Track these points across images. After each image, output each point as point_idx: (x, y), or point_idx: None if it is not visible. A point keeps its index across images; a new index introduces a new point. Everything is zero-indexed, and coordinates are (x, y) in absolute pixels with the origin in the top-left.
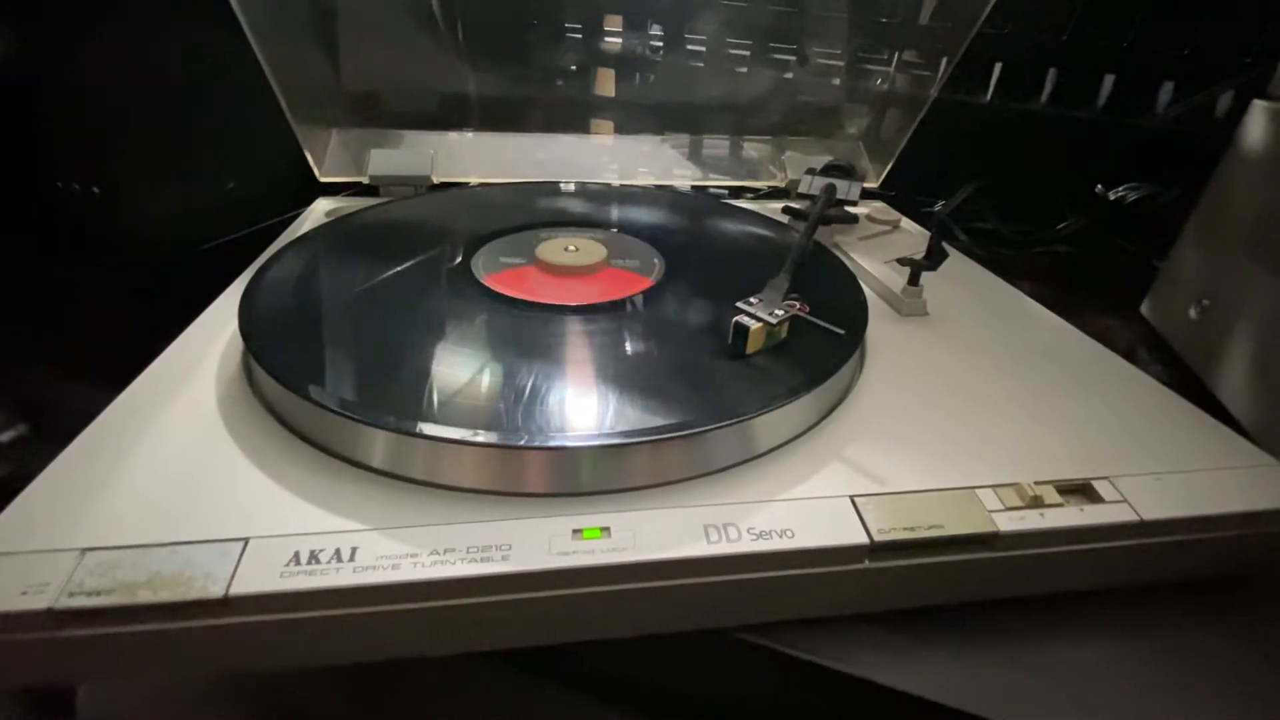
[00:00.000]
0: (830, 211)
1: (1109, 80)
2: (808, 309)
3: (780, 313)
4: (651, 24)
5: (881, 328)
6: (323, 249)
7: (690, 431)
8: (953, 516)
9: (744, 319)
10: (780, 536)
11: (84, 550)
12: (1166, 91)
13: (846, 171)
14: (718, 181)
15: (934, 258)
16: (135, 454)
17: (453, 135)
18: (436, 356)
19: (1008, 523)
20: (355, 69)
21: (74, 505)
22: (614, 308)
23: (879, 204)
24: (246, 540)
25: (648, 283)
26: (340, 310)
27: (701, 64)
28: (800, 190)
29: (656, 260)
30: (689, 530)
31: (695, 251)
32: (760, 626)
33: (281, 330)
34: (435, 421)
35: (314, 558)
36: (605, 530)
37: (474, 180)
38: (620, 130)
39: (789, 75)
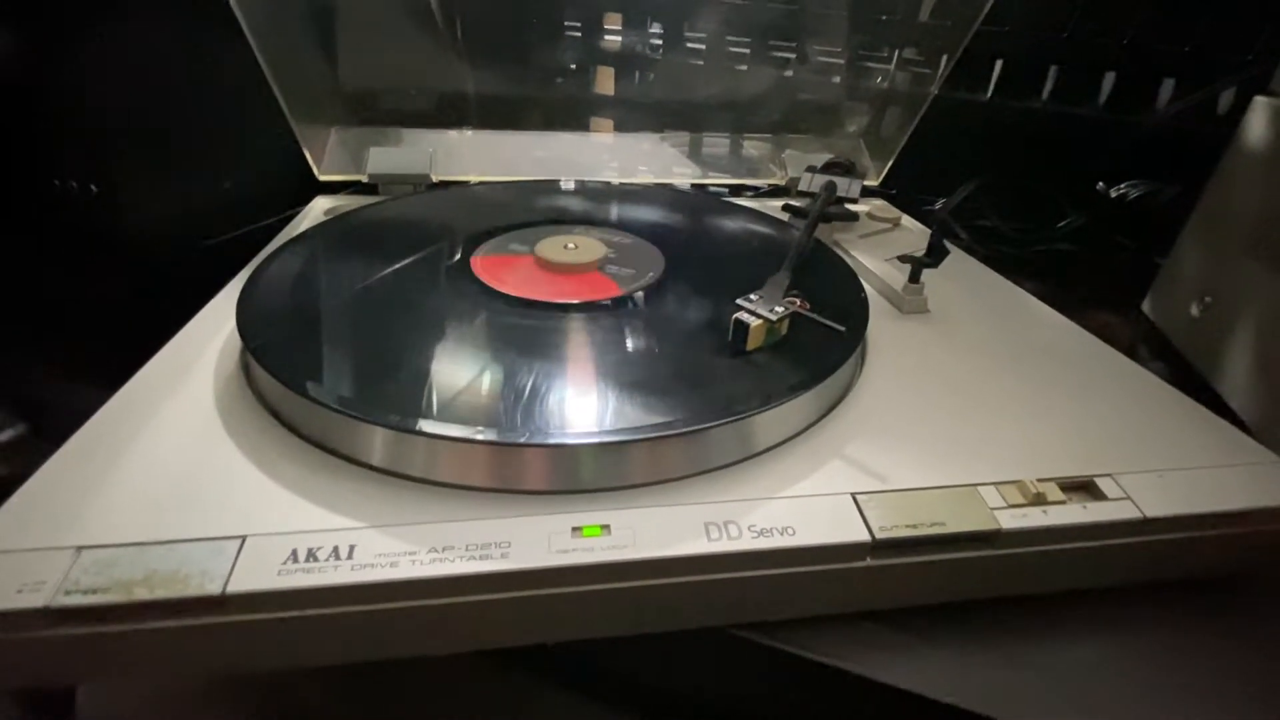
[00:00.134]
0: (831, 209)
1: (1110, 77)
2: (808, 306)
3: (781, 309)
4: (651, 22)
5: (882, 325)
6: (321, 247)
7: (691, 429)
8: (955, 514)
9: (744, 315)
10: (781, 534)
11: (80, 548)
12: (1167, 89)
13: (847, 169)
14: (718, 180)
15: (935, 255)
16: (132, 452)
17: (452, 133)
18: (435, 354)
19: (1010, 520)
20: (354, 67)
21: (70, 503)
22: (615, 305)
23: (879, 202)
24: (244, 538)
25: (645, 281)
26: (338, 308)
27: (701, 62)
28: (800, 188)
29: (657, 258)
30: (689, 528)
31: (695, 249)
32: (761, 625)
33: (279, 327)
34: (434, 419)
35: (312, 555)
36: (605, 528)
37: (473, 179)
38: (620, 128)
39: (789, 73)
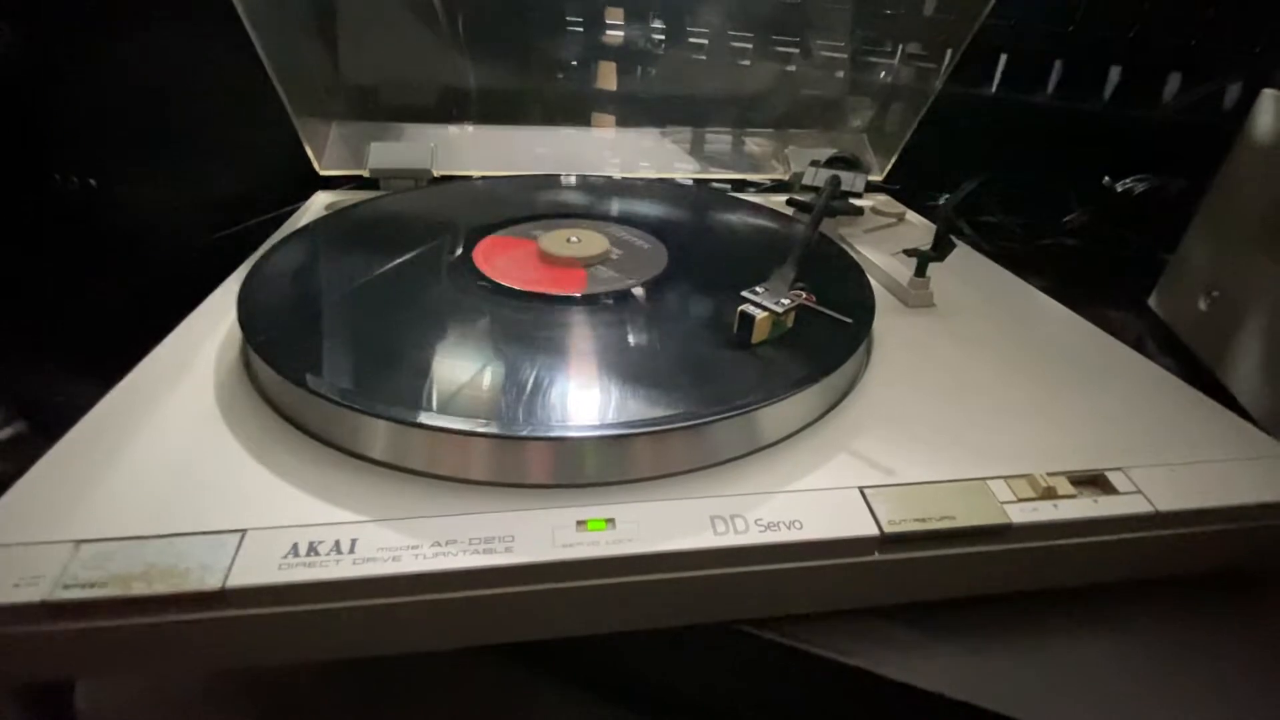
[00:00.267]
0: (835, 203)
1: (1115, 71)
2: (814, 299)
3: (786, 302)
4: (653, 16)
5: (888, 319)
6: (321, 241)
7: (696, 422)
8: (964, 507)
9: (750, 308)
10: (788, 528)
11: (78, 542)
12: (1173, 82)
13: (851, 164)
14: (720, 175)
15: (941, 249)
16: (131, 445)
17: (453, 129)
18: (437, 347)
19: (1020, 514)
20: (355, 62)
21: (69, 496)
22: (620, 298)
23: (883, 197)
24: (244, 532)
25: (650, 274)
26: (339, 301)
27: (704, 56)
28: (805, 182)
29: (661, 252)
30: (695, 521)
31: (700, 243)
32: (767, 620)
33: (280, 321)
34: (437, 411)
35: (313, 549)
36: (610, 522)
37: (474, 174)
38: (622, 123)
39: (792, 68)
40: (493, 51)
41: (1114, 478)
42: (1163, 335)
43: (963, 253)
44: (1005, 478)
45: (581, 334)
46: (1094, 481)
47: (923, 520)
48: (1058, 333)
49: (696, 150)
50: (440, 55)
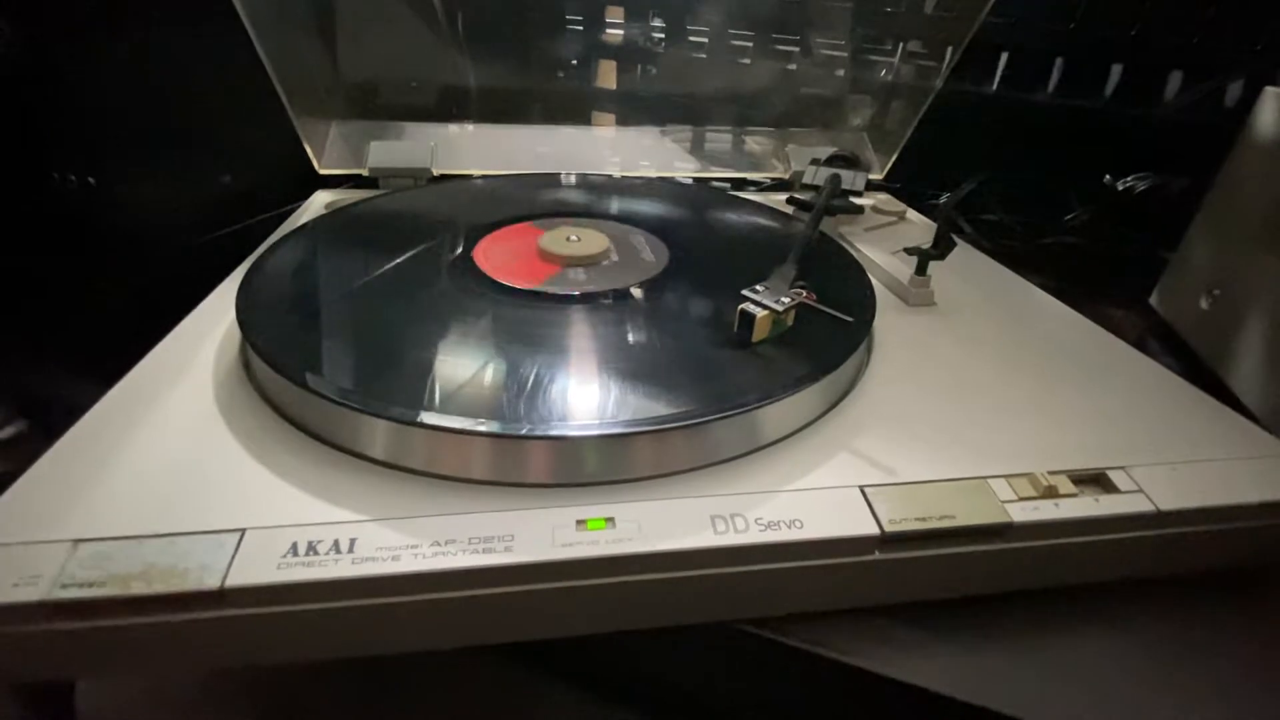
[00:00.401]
0: (835, 202)
1: (1117, 69)
2: (814, 297)
3: (787, 300)
4: (653, 15)
5: (888, 318)
6: (321, 240)
7: (697, 420)
8: (965, 507)
9: (750, 306)
10: (789, 527)
11: (77, 541)
12: (1175, 80)
13: (851, 162)
14: (720, 173)
15: (942, 247)
16: (130, 444)
17: (453, 128)
18: (438, 346)
19: (1021, 513)
20: (355, 61)
21: (67, 496)
22: (620, 297)
23: (884, 195)
24: (243, 531)
25: (650, 273)
26: (338, 300)
27: (704, 55)
28: (805, 181)
29: (661, 250)
30: (696, 521)
31: (700, 242)
32: (768, 619)
33: (279, 320)
34: (436, 410)
35: (312, 549)
36: (610, 521)
37: (474, 173)
38: (622, 122)
39: (792, 66)
40: (493, 50)
41: (1115, 477)
42: (1164, 334)
43: (963, 251)
44: (1006, 477)
45: (581, 333)
46: (1095, 480)
47: (923, 519)
48: (1059, 331)
49: (697, 149)
50: (440, 54)
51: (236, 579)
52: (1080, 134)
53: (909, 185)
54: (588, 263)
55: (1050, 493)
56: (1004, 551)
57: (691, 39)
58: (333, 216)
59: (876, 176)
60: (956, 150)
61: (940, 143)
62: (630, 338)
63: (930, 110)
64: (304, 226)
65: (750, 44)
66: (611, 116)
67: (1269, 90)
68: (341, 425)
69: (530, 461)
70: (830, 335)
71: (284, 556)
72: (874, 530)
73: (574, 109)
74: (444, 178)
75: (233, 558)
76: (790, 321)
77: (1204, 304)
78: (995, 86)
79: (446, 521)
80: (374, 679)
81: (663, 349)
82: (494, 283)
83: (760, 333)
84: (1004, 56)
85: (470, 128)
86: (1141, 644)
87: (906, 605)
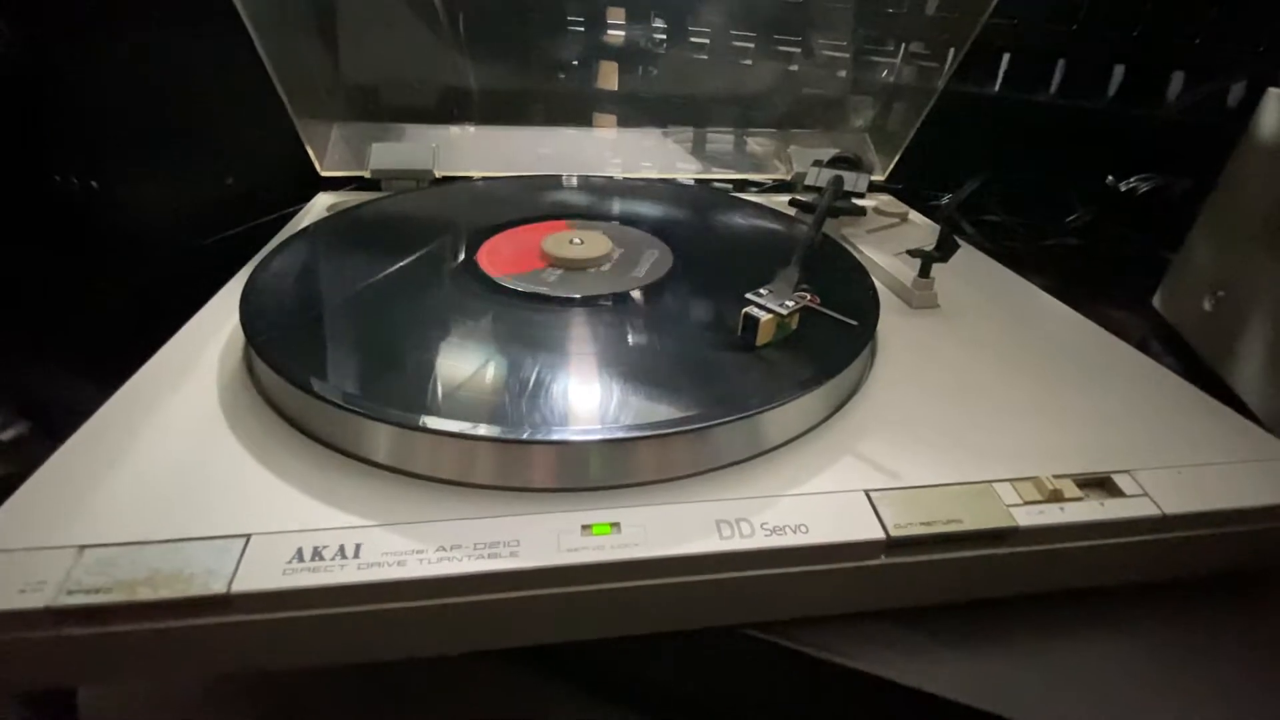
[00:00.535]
0: (838, 204)
1: (1119, 70)
2: (818, 300)
3: (791, 304)
4: (654, 15)
5: (892, 321)
6: (324, 242)
7: (702, 425)
8: (971, 511)
9: (754, 310)
10: (794, 532)
11: (82, 547)
12: (1177, 81)
13: (853, 164)
14: (722, 175)
15: (945, 249)
16: (135, 449)
17: (454, 129)
18: (442, 350)
19: (1026, 517)
20: (356, 62)
21: (72, 501)
22: (623, 300)
23: (886, 197)
24: (248, 536)
25: (654, 275)
26: (342, 303)
27: (705, 56)
28: (807, 182)
29: (665, 253)
30: (701, 526)
31: (703, 244)
32: (773, 624)
33: (283, 323)
34: (441, 415)
35: (318, 554)
36: (615, 526)
37: (476, 174)
38: (623, 124)
39: (794, 67)
40: (494, 51)
41: (1120, 480)
42: (1166, 335)
43: (965, 253)
44: (1011, 480)
45: (585, 336)
46: (1100, 484)
47: (929, 524)
48: (1061, 333)
49: (698, 150)
50: (441, 55)
51: (242, 585)
52: (1082, 135)
53: (911, 186)
54: (591, 265)
55: (1055, 496)
56: (1009, 556)
57: (693, 40)
58: (335, 219)
59: (878, 178)
60: (958, 151)
61: (942, 144)
62: (634, 341)
63: (932, 111)
64: (307, 229)
65: (752, 45)
66: (613, 118)
67: (1272, 91)
68: (346, 430)
69: (535, 466)
70: (834, 338)
71: (289, 562)
72: (880, 535)
73: (575, 110)
74: (446, 179)
75: (238, 563)
76: (794, 325)
77: (1207, 305)
78: (997, 87)
79: (452, 526)
80: (377, 681)
81: (667, 352)
82: (498, 286)
83: (764, 336)
84: (1006, 57)
85: (472, 129)
86: (1143, 647)
87: (912, 609)
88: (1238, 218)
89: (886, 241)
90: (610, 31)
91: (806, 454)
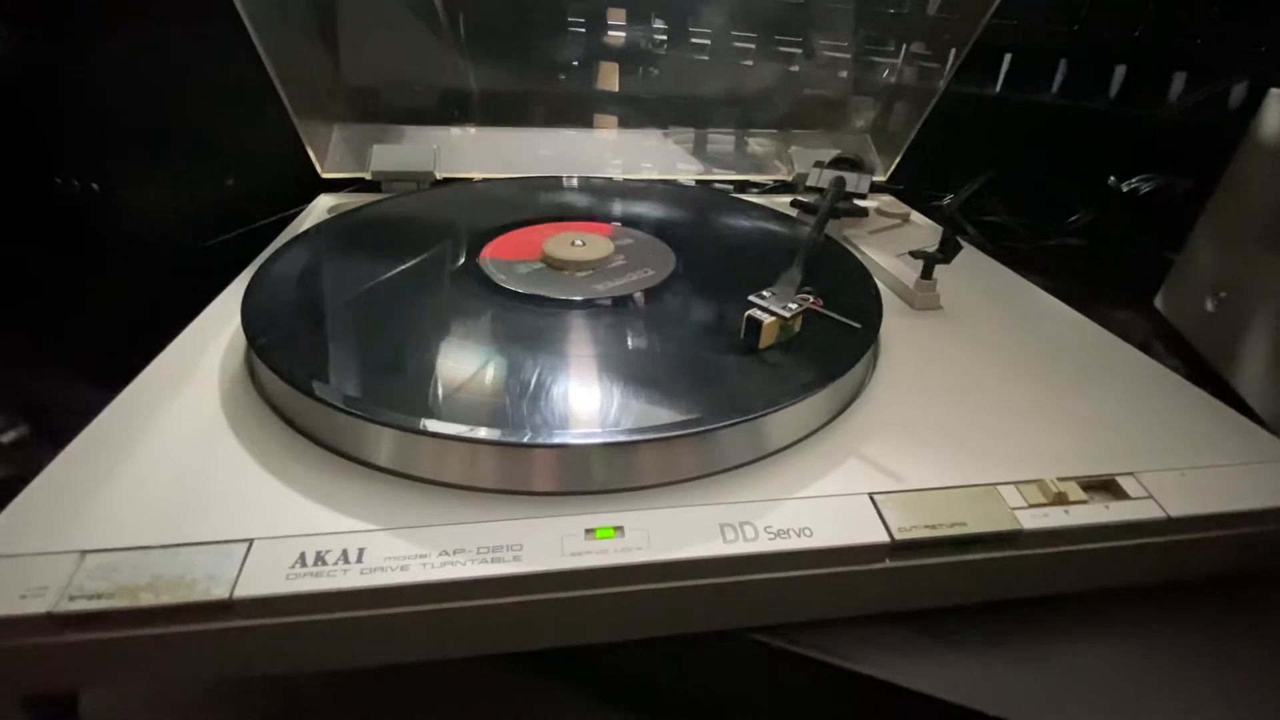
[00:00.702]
0: (839, 205)
1: (1120, 71)
2: (821, 302)
3: (794, 306)
4: (655, 16)
5: (894, 322)
6: (325, 244)
7: (705, 428)
8: (975, 514)
9: (757, 313)
10: (798, 535)
11: (84, 552)
12: (1179, 82)
13: (855, 165)
14: (723, 176)
15: (947, 250)
16: (136, 454)
17: (455, 130)
18: (444, 353)
19: (1031, 520)
20: (357, 64)
21: (73, 506)
22: (625, 303)
23: (887, 197)
24: (251, 541)
25: (657, 278)
26: (344, 306)
27: (706, 57)
28: (809, 184)
29: (667, 255)
30: (704, 529)
31: (705, 246)
32: (777, 628)
33: (285, 327)
34: (443, 419)
35: (320, 559)
36: (619, 530)
37: (477, 176)
38: (624, 124)
39: (795, 68)
40: (494, 53)
41: (1125, 483)
42: (1169, 336)
43: (967, 254)
44: (1016, 483)
45: (587, 339)
46: (1105, 487)
47: (933, 527)
48: (1063, 334)
49: (699, 151)
50: (442, 57)
51: (245, 590)
52: (1084, 135)
53: (912, 187)
54: (593, 267)
55: (1060, 499)
56: (1014, 559)
57: (694, 40)
58: (337, 221)
59: (880, 178)
60: (960, 152)
61: (943, 144)
62: (637, 343)
63: (934, 111)
64: (308, 231)
65: (753, 45)
66: (614, 119)
67: (1273, 91)
68: (348, 434)
69: (538, 470)
70: (837, 341)
71: (292, 567)
72: (884, 538)
73: (576, 111)
74: (446, 181)
75: (241, 568)
76: (797, 328)
77: (1209, 306)
78: (999, 88)
79: (455, 531)
80: (379, 684)
81: (670, 355)
82: (501, 289)
83: (767, 339)
84: (1007, 58)
85: (472, 130)
86: (1145, 649)
87: (916, 612)
88: (1240, 218)
89: (888, 242)
90: (611, 32)
91: (810, 457)
